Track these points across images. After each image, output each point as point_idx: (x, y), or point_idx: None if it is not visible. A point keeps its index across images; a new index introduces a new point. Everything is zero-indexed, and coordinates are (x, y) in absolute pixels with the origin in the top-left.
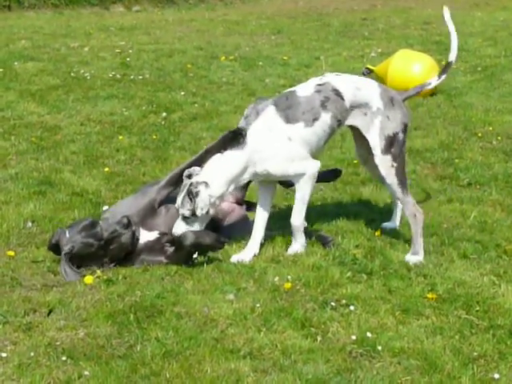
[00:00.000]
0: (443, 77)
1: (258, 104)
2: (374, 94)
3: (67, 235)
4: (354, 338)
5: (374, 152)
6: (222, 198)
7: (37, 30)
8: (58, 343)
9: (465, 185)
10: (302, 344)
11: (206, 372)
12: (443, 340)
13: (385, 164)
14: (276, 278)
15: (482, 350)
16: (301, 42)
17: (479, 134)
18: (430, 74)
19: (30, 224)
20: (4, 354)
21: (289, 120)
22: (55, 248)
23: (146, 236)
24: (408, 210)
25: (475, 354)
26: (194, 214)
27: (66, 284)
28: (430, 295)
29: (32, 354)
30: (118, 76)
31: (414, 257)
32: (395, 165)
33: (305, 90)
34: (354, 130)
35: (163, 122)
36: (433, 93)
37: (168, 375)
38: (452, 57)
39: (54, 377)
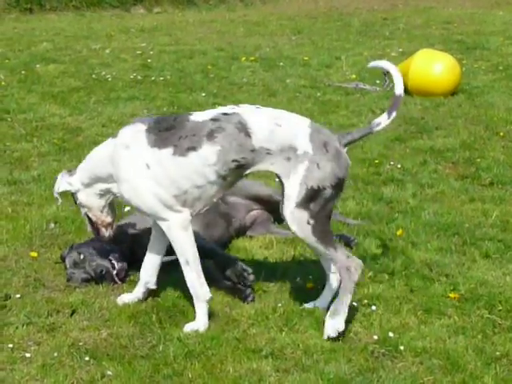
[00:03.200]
0: (393, 114)
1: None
2: (300, 134)
3: (67, 265)
4: (375, 337)
5: (285, 203)
6: (88, 187)
7: (58, 33)
8: (81, 343)
9: (487, 184)
10: (324, 344)
11: (228, 372)
12: (466, 340)
13: (297, 220)
14: (298, 278)
15: (505, 349)
16: (321, 42)
17: (501, 134)
18: (451, 73)
19: (52, 225)
20: (28, 355)
21: (155, 144)
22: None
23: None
24: (338, 264)
25: (498, 353)
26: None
27: (88, 285)
28: (452, 295)
29: (55, 354)
30: (139, 77)
31: (332, 321)
32: (312, 222)
33: (202, 115)
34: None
35: None
36: (454, 92)
37: (190, 375)
38: (399, 90)
39: (77, 377)
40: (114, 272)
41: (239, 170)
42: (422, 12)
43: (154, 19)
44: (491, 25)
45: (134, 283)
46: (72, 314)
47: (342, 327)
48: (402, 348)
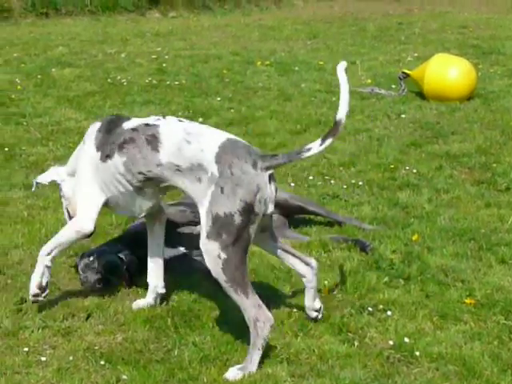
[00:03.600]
0: (328, 141)
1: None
2: (208, 154)
3: (80, 270)
4: (391, 343)
5: (200, 233)
6: (71, 177)
7: (74, 37)
8: (96, 347)
9: (503, 189)
10: (340, 349)
11: (243, 377)
12: (482, 346)
13: (209, 252)
14: None
15: None
16: (337, 46)
17: None
18: (467, 78)
19: None
20: (43, 358)
21: (96, 144)
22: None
23: (170, 252)
24: (247, 314)
25: None
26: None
27: (103, 289)
28: (468, 300)
29: (71, 358)
30: (155, 82)
31: (239, 373)
32: (224, 256)
33: (131, 122)
34: None
35: None
36: (469, 97)
37: (205, 379)
38: (340, 114)
39: (92, 381)
40: (124, 267)
41: (151, 181)
42: (437, 17)
43: (169, 24)
44: (507, 29)
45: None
46: (87, 318)
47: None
48: (417, 354)
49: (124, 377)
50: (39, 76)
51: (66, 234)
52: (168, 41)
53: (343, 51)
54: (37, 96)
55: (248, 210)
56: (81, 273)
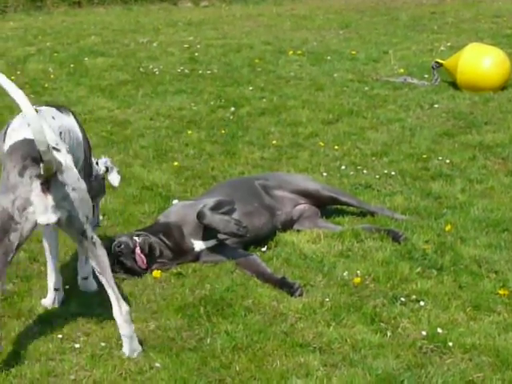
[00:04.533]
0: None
1: None
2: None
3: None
4: (424, 333)
5: None
6: None
7: (106, 26)
8: None
9: None
10: (372, 339)
11: (275, 365)
12: None
13: None
14: (345, 273)
15: None
16: (369, 36)
17: None
18: (500, 67)
19: (100, 218)
20: (77, 345)
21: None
22: None
23: (202, 244)
24: None
25: None
26: None
27: (136, 277)
28: (501, 291)
29: (104, 344)
30: (187, 71)
31: None
32: None
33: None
34: None
35: (231, 117)
36: (503, 87)
37: (238, 368)
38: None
39: (125, 368)
40: (137, 249)
41: None
42: (470, 6)
43: (201, 13)
44: None
45: (181, 276)
46: None
47: None
48: (450, 344)
49: (157, 364)
50: (72, 65)
51: None
52: (200, 30)
53: (375, 41)
54: (69, 85)
55: (4, 217)
56: None
